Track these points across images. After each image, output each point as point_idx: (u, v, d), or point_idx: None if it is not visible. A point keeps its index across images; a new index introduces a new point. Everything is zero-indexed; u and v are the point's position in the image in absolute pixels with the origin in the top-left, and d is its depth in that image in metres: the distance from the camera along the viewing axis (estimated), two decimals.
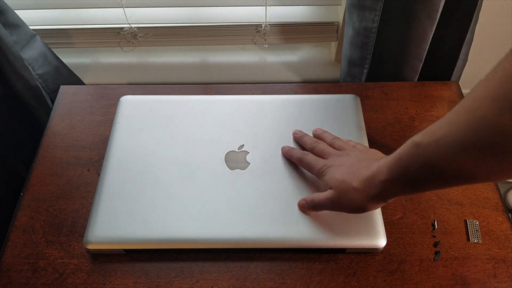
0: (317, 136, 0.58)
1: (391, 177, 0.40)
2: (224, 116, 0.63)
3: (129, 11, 0.82)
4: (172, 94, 0.67)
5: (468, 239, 0.54)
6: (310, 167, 0.52)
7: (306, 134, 0.59)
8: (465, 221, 0.56)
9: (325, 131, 0.59)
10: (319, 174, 0.50)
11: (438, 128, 0.35)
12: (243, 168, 0.57)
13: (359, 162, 0.47)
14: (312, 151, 0.55)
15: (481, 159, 0.32)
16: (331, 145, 0.54)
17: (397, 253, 0.53)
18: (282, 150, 0.58)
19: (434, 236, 0.54)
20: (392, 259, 0.53)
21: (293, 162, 0.57)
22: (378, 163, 0.42)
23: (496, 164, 0.32)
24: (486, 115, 0.30)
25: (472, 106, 0.32)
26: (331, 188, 0.48)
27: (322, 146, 0.54)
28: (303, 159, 0.54)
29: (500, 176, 0.33)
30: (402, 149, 0.39)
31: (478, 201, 0.57)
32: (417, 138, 0.37)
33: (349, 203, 0.45)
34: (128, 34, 0.86)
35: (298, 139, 0.59)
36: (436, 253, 0.53)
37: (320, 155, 0.53)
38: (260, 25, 0.84)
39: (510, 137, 0.29)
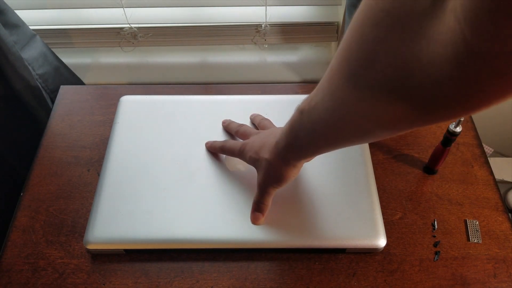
0: (252, 120, 0.61)
1: (288, 143, 0.42)
2: (224, 116, 0.63)
3: (129, 11, 0.82)
4: (172, 94, 0.67)
5: (468, 239, 0.54)
6: (232, 152, 0.54)
7: (232, 121, 0.60)
8: (465, 221, 0.56)
9: (260, 116, 0.61)
10: (240, 155, 0.51)
11: (314, 95, 0.37)
12: (243, 168, 0.57)
13: (271, 133, 0.49)
14: (237, 134, 0.58)
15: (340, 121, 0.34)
16: (259, 126, 0.58)
17: (397, 253, 0.53)
18: (206, 146, 0.59)
19: (434, 236, 0.54)
20: (392, 259, 0.53)
21: None
22: (280, 130, 0.44)
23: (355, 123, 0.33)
24: (335, 80, 0.32)
25: (329, 74, 0.33)
26: (255, 168, 0.49)
27: (245, 127, 0.57)
28: (224, 146, 0.55)
29: (371, 135, 0.34)
30: (292, 116, 0.41)
31: (478, 201, 0.57)
32: (301, 105, 0.39)
33: (270, 175, 0.47)
34: (128, 34, 0.86)
35: (226, 127, 0.61)
36: (436, 253, 0.53)
37: (244, 137, 0.55)
38: (260, 25, 0.84)
39: (350, 104, 0.31)
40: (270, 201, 0.51)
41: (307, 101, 0.37)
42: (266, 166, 0.47)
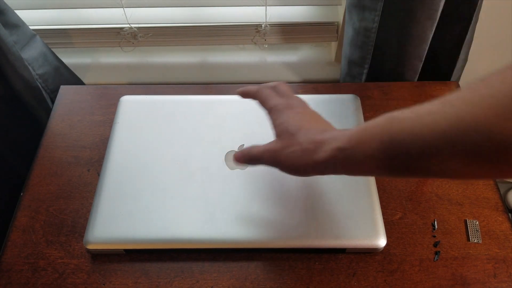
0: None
1: (345, 146, 0.36)
2: (224, 116, 0.63)
3: (129, 11, 0.82)
4: (172, 94, 0.67)
5: (468, 239, 0.54)
6: (265, 100, 0.46)
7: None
8: (465, 221, 0.56)
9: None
10: (272, 110, 0.44)
11: (421, 116, 0.31)
12: (243, 168, 0.57)
13: (317, 121, 0.43)
14: (274, 88, 0.48)
15: (463, 162, 0.29)
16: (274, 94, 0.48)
17: (397, 253, 0.53)
18: (238, 92, 0.51)
19: (434, 236, 0.54)
20: (392, 259, 0.53)
21: None
22: (338, 131, 0.38)
23: (483, 169, 0.29)
24: (481, 122, 0.27)
25: (464, 109, 0.29)
26: (278, 135, 0.42)
27: (285, 86, 0.48)
28: (260, 90, 0.47)
29: (483, 178, 0.32)
30: (374, 120, 0.35)
31: (478, 201, 0.57)
32: (394, 112, 0.33)
33: (290, 160, 0.40)
34: (128, 34, 0.86)
35: (255, 94, 0.49)
36: (436, 253, 0.53)
37: (281, 93, 0.47)
38: (260, 25, 0.84)
39: (509, 148, 0.26)
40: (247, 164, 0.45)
41: (408, 112, 0.33)
42: (297, 150, 0.40)
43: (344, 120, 0.62)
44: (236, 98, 0.65)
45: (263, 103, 0.47)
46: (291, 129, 0.41)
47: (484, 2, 0.65)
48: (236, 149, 0.59)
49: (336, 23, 0.86)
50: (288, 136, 0.41)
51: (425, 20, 0.64)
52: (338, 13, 0.85)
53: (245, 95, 0.50)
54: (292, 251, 0.53)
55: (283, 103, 0.44)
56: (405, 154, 0.32)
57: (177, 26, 0.86)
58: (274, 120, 0.44)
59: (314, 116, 0.45)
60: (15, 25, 0.69)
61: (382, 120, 0.34)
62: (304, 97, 0.65)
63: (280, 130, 0.42)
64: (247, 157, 0.44)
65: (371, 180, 0.56)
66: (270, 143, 0.43)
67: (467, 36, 0.69)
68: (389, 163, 0.33)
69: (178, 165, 0.57)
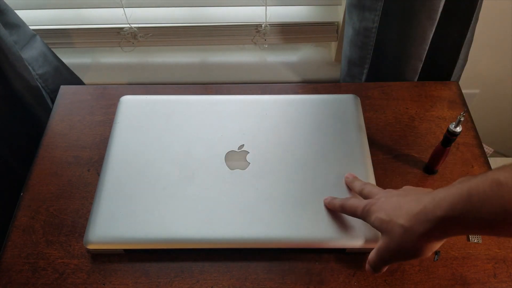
0: (348, 183, 0.55)
1: (453, 214, 0.34)
2: (224, 116, 0.63)
3: (129, 11, 0.82)
4: (172, 94, 0.67)
5: (468, 239, 0.54)
6: (353, 210, 0.46)
7: (356, 178, 0.54)
8: None
9: (359, 181, 0.53)
10: (364, 214, 0.44)
11: None
12: (243, 168, 0.57)
13: (407, 195, 0.42)
14: (361, 193, 0.50)
15: None
16: (361, 193, 0.50)
17: None
18: (324, 201, 0.53)
19: None
20: None
21: (293, 162, 0.57)
22: (433, 196, 0.37)
23: None
24: None
25: None
26: (381, 232, 0.42)
27: (371, 187, 0.49)
28: (345, 204, 0.48)
29: None
30: (475, 184, 0.33)
31: None
32: (500, 176, 0.32)
33: (400, 246, 0.39)
34: (128, 34, 0.86)
35: (349, 183, 0.54)
36: (436, 253, 0.53)
37: (368, 197, 0.48)
38: (260, 25, 0.84)
39: None
40: (385, 269, 0.44)
41: (508, 173, 0.31)
42: (400, 233, 0.39)
43: (344, 120, 0.62)
44: (236, 98, 0.66)
45: (354, 215, 0.47)
46: (385, 219, 0.41)
47: (484, 2, 0.65)
48: (236, 149, 0.59)
49: (336, 23, 0.86)
50: (386, 224, 0.41)
51: (425, 20, 0.64)
52: (338, 13, 0.85)
53: (334, 210, 0.52)
54: (292, 251, 0.53)
55: (369, 203, 0.44)
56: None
57: (177, 26, 0.86)
58: (369, 222, 0.44)
59: (401, 193, 0.44)
60: (15, 25, 0.69)
61: (486, 186, 0.33)
62: (304, 97, 0.65)
63: (378, 226, 0.42)
64: (373, 266, 0.44)
65: (370, 180, 0.56)
66: (378, 244, 0.42)
67: (467, 36, 0.69)
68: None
69: (178, 165, 0.57)
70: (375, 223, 0.42)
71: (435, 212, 0.36)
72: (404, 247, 0.39)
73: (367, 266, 0.44)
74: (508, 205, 0.31)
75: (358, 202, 0.46)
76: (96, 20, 0.84)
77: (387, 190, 0.46)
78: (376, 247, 0.43)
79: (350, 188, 0.54)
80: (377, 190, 0.47)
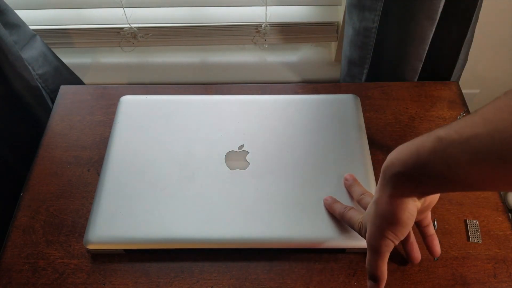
0: (348, 187, 0.55)
1: (405, 171, 0.36)
2: (224, 116, 0.63)
3: (129, 11, 0.82)
4: (172, 94, 0.67)
5: (468, 239, 0.54)
6: (351, 224, 0.48)
7: (355, 182, 0.54)
8: (465, 221, 0.56)
9: (359, 187, 0.53)
10: (361, 231, 0.45)
11: (464, 126, 0.32)
12: (243, 168, 0.57)
13: None
14: (359, 203, 0.51)
15: (500, 171, 0.29)
16: (360, 202, 0.51)
17: (397, 253, 0.53)
18: (324, 202, 0.53)
19: None
20: (392, 259, 0.53)
21: (293, 162, 0.57)
22: (390, 156, 0.38)
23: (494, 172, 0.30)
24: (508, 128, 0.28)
25: (496, 116, 0.29)
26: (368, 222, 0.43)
27: (369, 198, 0.49)
28: (344, 215, 0.49)
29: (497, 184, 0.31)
30: (421, 142, 0.35)
31: (478, 201, 0.57)
32: (441, 132, 0.33)
33: (382, 219, 0.40)
34: (128, 34, 0.86)
35: (348, 187, 0.54)
36: None
37: (366, 208, 0.48)
38: (260, 25, 0.84)
39: None
40: (384, 266, 0.42)
41: (452, 130, 0.32)
42: (373, 208, 0.41)
43: (344, 120, 0.62)
44: (236, 98, 0.66)
45: (351, 227, 0.48)
46: (367, 211, 0.43)
47: (484, 2, 0.65)
48: (236, 149, 0.59)
49: (336, 23, 0.86)
50: (367, 218, 0.43)
51: (425, 20, 0.64)
52: (338, 13, 0.85)
53: (330, 210, 0.53)
54: (292, 251, 0.53)
55: (364, 218, 0.45)
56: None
57: (177, 26, 0.86)
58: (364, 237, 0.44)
59: None
60: (15, 25, 0.69)
61: (429, 142, 0.35)
62: (304, 97, 0.65)
63: (365, 228, 0.43)
64: (372, 269, 0.43)
65: (371, 180, 0.56)
66: (366, 236, 0.43)
67: (467, 36, 0.69)
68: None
69: (178, 165, 0.57)
70: (362, 231, 0.44)
71: (390, 170, 0.38)
72: (381, 216, 0.40)
73: (367, 272, 0.44)
74: (450, 160, 0.32)
75: (356, 216, 0.47)
76: (96, 20, 0.84)
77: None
78: (367, 245, 0.43)
79: (349, 192, 0.54)
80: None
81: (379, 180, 0.40)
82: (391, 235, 0.40)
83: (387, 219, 0.40)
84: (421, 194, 0.39)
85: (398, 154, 0.37)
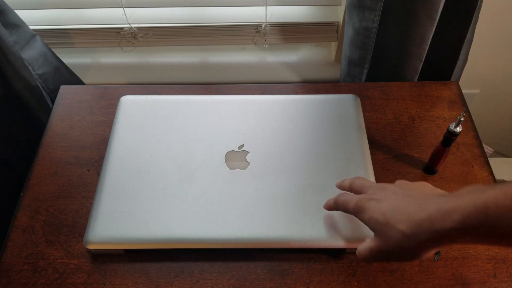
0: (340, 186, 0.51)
1: (464, 227, 0.32)
2: (224, 116, 0.63)
3: (129, 11, 0.82)
4: (172, 94, 0.67)
5: None
6: (346, 206, 0.44)
7: (346, 179, 0.51)
8: None
9: (346, 180, 0.50)
10: (356, 210, 0.42)
11: None
12: (243, 168, 0.57)
13: (405, 197, 0.39)
14: (352, 189, 0.47)
15: None
16: (352, 187, 0.47)
17: None
18: (324, 206, 0.50)
19: None
20: None
21: (293, 162, 0.57)
22: (439, 205, 0.35)
23: None
24: None
25: None
26: (374, 232, 0.40)
27: (361, 180, 0.47)
28: (337, 199, 0.47)
29: None
30: (493, 197, 0.31)
31: None
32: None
33: (397, 250, 0.38)
34: (128, 34, 0.86)
35: (338, 186, 0.51)
36: (436, 253, 0.53)
37: (360, 191, 0.45)
38: (260, 25, 0.84)
39: None
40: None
41: None
42: (398, 239, 0.37)
43: (344, 120, 0.62)
44: (236, 98, 0.66)
45: (346, 210, 0.45)
46: (381, 221, 0.39)
47: (484, 2, 0.65)
48: (236, 149, 0.59)
49: (336, 23, 0.86)
50: (382, 227, 0.39)
51: (425, 20, 0.64)
52: (338, 13, 0.85)
53: (329, 209, 0.50)
54: (292, 251, 0.53)
55: (362, 198, 0.42)
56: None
57: (177, 26, 0.86)
58: (362, 219, 0.42)
59: (398, 191, 0.41)
60: (15, 25, 0.69)
61: (503, 197, 0.31)
62: (304, 97, 0.65)
63: (372, 227, 0.40)
64: (360, 258, 0.42)
65: (370, 180, 0.56)
66: (369, 242, 0.41)
67: (467, 36, 0.69)
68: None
69: (178, 165, 0.57)
70: (370, 223, 0.40)
71: (445, 223, 0.34)
72: (401, 251, 0.38)
73: (357, 253, 0.43)
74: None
75: (350, 197, 0.44)
76: (96, 20, 0.84)
77: (379, 184, 0.44)
78: (368, 244, 0.41)
79: (341, 188, 0.51)
80: (368, 183, 0.45)
81: (410, 218, 0.37)
82: (397, 262, 0.40)
83: (405, 258, 0.38)
84: (464, 244, 0.37)
85: (458, 207, 0.33)
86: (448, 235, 0.34)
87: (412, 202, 0.38)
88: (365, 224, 0.41)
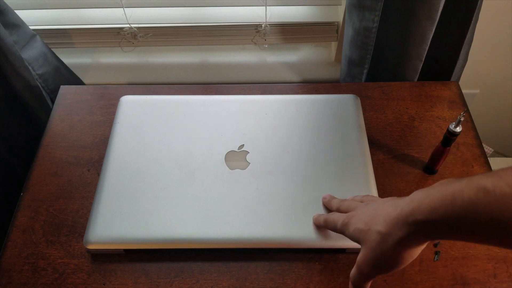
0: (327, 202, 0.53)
1: (433, 219, 0.32)
2: (224, 116, 0.63)
3: (129, 11, 0.82)
4: (172, 94, 0.67)
5: None
6: (334, 225, 0.45)
7: (333, 198, 0.52)
8: None
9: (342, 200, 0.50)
10: (343, 228, 0.43)
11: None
12: (243, 168, 0.57)
13: (384, 203, 0.40)
14: (339, 210, 0.48)
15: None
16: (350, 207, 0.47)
17: None
18: (314, 222, 0.51)
19: None
20: None
21: (293, 162, 0.57)
22: (411, 198, 0.35)
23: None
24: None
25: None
26: (360, 243, 0.40)
27: (348, 202, 0.47)
28: (327, 219, 0.47)
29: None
30: (459, 189, 0.31)
31: None
32: (486, 182, 0.30)
33: (379, 255, 0.37)
34: (128, 34, 0.86)
35: (326, 204, 0.53)
36: (436, 253, 0.53)
37: (348, 211, 0.46)
38: (260, 25, 0.84)
39: None
40: (369, 284, 0.41)
41: (501, 181, 0.29)
42: (377, 240, 0.37)
43: (344, 120, 0.62)
44: (236, 98, 0.66)
45: (334, 230, 0.45)
46: (363, 228, 0.39)
47: (484, 2, 0.65)
48: (236, 149, 0.59)
49: (336, 23, 0.86)
50: (364, 234, 0.39)
51: (425, 20, 0.64)
52: (338, 13, 0.85)
53: (319, 226, 0.51)
54: (292, 251, 0.53)
55: (348, 215, 0.43)
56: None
57: (177, 26, 0.86)
58: (348, 235, 0.42)
59: (381, 201, 0.41)
60: (15, 25, 0.69)
61: (472, 192, 0.31)
62: (304, 97, 0.65)
63: (356, 238, 0.40)
64: (353, 280, 0.42)
65: (371, 180, 0.56)
66: (359, 256, 0.40)
67: (467, 36, 0.69)
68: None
69: (178, 165, 0.57)
70: (354, 234, 0.41)
71: (415, 216, 0.34)
72: (383, 255, 0.37)
73: (350, 286, 0.42)
74: (495, 214, 0.29)
75: (338, 217, 0.45)
76: (96, 20, 0.84)
77: (364, 203, 0.44)
78: (356, 265, 0.40)
79: (328, 208, 0.52)
80: (355, 204, 0.46)
81: (386, 218, 0.37)
82: (385, 272, 0.39)
83: (389, 263, 0.37)
84: (438, 239, 0.37)
85: (427, 198, 0.33)
86: (420, 229, 0.34)
87: (391, 204, 0.38)
88: (351, 238, 0.41)
